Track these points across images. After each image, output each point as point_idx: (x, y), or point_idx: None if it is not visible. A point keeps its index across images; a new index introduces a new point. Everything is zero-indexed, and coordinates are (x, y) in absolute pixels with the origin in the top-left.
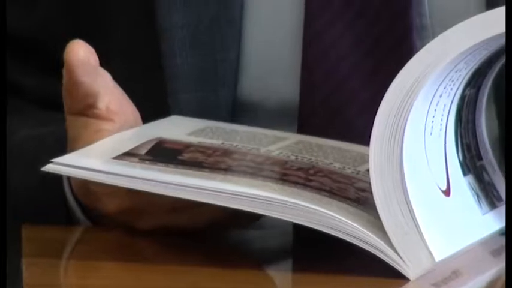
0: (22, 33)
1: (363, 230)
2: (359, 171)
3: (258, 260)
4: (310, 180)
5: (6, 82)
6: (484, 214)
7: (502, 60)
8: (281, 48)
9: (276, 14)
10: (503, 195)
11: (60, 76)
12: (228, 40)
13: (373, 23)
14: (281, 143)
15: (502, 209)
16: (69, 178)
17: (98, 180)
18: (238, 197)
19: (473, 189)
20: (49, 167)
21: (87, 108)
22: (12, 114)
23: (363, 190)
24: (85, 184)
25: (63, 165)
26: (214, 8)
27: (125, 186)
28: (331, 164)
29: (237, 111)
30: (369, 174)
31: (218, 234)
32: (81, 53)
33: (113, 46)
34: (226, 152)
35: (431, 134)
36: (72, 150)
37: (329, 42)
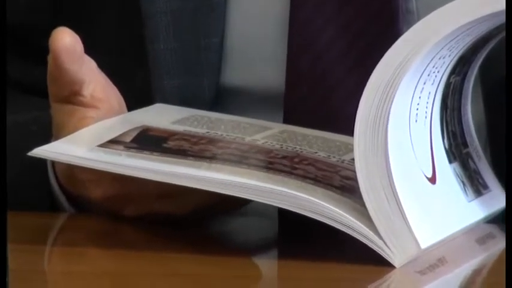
0: (7, 18)
1: (348, 216)
2: (344, 159)
3: (243, 246)
4: (295, 168)
5: (6, 78)
6: (469, 202)
7: (487, 49)
8: (266, 34)
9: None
10: (488, 182)
11: (43, 62)
12: (211, 26)
13: (360, 9)
14: (266, 132)
15: (487, 197)
16: (53, 166)
17: (85, 166)
18: (224, 184)
19: (458, 176)
20: (36, 152)
21: (72, 96)
22: None
23: (348, 178)
24: (70, 171)
25: (50, 151)
26: None
27: (111, 171)
28: (316, 152)
29: (220, 97)
30: (354, 162)
31: (203, 221)
32: (66, 41)
33: (98, 33)
34: (212, 140)
35: (416, 121)
36: (57, 137)
37: (315, 28)
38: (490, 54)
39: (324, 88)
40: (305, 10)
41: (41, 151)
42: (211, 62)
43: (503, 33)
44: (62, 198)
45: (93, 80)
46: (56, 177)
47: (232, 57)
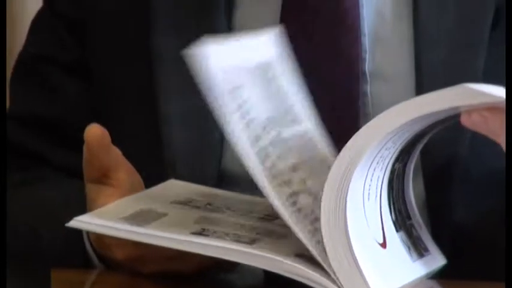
0: (52, 116)
1: (318, 275)
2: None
3: None
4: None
5: (5, 81)
6: (413, 262)
7: (424, 142)
8: None
9: None
10: (428, 246)
11: (81, 151)
12: (214, 124)
13: (327, 115)
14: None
15: (428, 258)
16: (87, 232)
17: (110, 235)
18: (220, 250)
19: (404, 242)
20: (72, 223)
21: (102, 178)
22: (43, 181)
23: (319, 242)
24: (100, 237)
25: (83, 222)
26: (203, 99)
27: (130, 239)
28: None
29: (221, 181)
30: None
31: (205, 276)
32: (97, 134)
33: (123, 128)
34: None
35: (368, 199)
36: (90, 210)
37: None
38: (428, 147)
39: None
40: None
41: (76, 222)
42: (214, 153)
43: (435, 130)
44: (94, 258)
45: (118, 165)
46: (89, 241)
47: (231, 149)
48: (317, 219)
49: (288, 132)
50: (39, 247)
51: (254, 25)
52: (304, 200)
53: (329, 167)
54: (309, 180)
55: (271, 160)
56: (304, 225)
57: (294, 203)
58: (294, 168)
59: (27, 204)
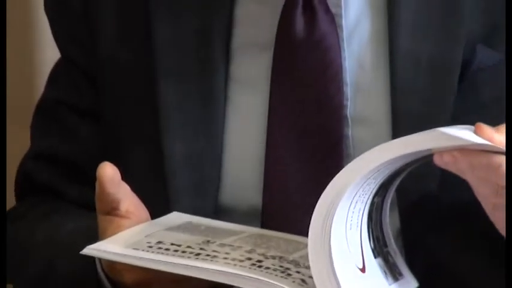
0: (67, 155)
1: None
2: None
3: None
4: (268, 268)
5: (5, 84)
6: (389, 285)
7: (400, 178)
8: (252, 169)
9: (246, 147)
10: (402, 271)
11: (93, 186)
12: (212, 164)
13: (314, 156)
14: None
15: (402, 281)
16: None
17: (120, 260)
18: (218, 273)
19: (381, 267)
20: (85, 251)
21: (112, 210)
22: (61, 213)
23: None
24: (111, 263)
25: (95, 249)
26: (203, 142)
27: (137, 264)
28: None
29: (218, 214)
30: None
31: None
32: (108, 172)
33: (131, 166)
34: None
35: (350, 228)
36: (102, 238)
37: (283, 164)
38: (403, 183)
39: (290, 205)
40: (275, 152)
41: (89, 250)
42: (212, 189)
43: (410, 168)
44: (106, 282)
45: (127, 199)
46: (101, 266)
47: (226, 186)
48: (288, 269)
49: (228, 240)
50: (54, 274)
51: (249, 75)
52: (268, 263)
53: (288, 241)
54: (269, 253)
55: (222, 256)
56: (275, 274)
57: (260, 267)
58: (251, 251)
59: (43, 234)
